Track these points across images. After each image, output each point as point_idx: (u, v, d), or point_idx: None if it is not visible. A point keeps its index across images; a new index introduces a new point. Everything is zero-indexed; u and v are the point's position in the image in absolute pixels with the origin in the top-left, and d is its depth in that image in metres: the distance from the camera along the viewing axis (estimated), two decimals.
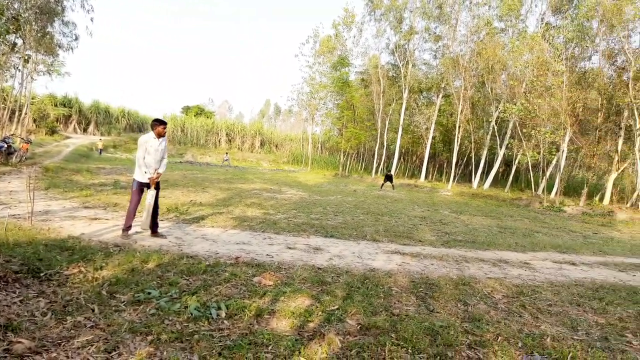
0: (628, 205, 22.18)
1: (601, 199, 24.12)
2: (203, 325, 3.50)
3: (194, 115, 51.61)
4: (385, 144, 37.09)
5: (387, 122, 36.48)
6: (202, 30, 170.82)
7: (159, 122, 6.19)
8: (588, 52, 26.93)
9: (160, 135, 6.22)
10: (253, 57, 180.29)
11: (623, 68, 22.85)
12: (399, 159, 39.36)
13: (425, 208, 14.95)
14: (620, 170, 23.64)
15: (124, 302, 3.82)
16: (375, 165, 37.95)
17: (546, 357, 3.42)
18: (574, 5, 28.41)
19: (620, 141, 22.77)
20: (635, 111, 21.02)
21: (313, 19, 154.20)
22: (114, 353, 2.97)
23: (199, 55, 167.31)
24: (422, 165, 35.28)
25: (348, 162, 41.02)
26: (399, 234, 8.72)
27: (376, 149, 37.83)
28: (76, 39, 26.77)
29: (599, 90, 23.50)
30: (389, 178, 23.95)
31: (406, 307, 4.36)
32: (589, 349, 3.71)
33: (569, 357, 3.47)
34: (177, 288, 4.24)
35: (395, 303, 4.44)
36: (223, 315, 3.71)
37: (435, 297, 4.80)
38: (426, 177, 35.79)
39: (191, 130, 47.38)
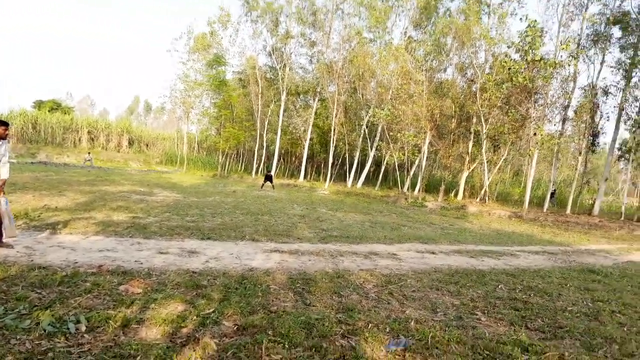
0: (477, 200, 25.17)
1: (456, 195, 27.04)
2: (59, 342, 3.16)
3: (49, 111, 45.92)
4: (265, 144, 37.19)
5: (266, 123, 36.64)
6: (58, 14, 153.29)
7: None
8: (444, 65, 30.09)
9: (0, 138, 5.45)
10: (120, 49, 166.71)
11: (472, 80, 25.91)
12: (279, 159, 39.72)
13: (304, 207, 15.20)
14: (471, 170, 26.74)
15: None
16: (255, 165, 37.79)
17: (410, 339, 3.69)
18: (432, 22, 31.53)
19: (471, 144, 25.74)
20: (482, 118, 23.93)
21: (184, 14, 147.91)
22: None
23: (55, 42, 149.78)
24: (301, 165, 36.07)
25: (227, 163, 40.24)
26: (278, 232, 8.76)
27: (256, 149, 37.69)
28: None
29: (453, 99, 26.34)
30: (268, 178, 24.07)
31: (284, 304, 4.39)
32: (447, 328, 4.09)
33: (429, 337, 3.79)
34: (26, 303, 3.78)
35: (273, 300, 4.45)
36: (83, 329, 3.38)
37: (312, 292, 4.92)
38: (305, 177, 36.72)
39: (45, 127, 42.15)
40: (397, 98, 25.86)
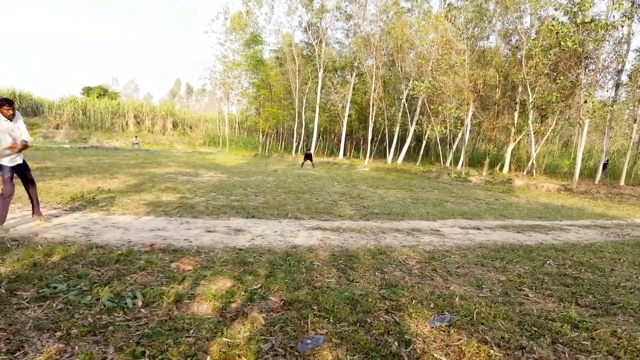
0: (524, 173, 24.38)
1: (501, 168, 26.27)
2: (118, 316, 3.35)
3: (97, 97, 47.77)
4: (303, 122, 37.23)
5: (304, 101, 36.57)
6: (102, 5, 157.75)
7: (1, 102, 5.63)
8: (486, 32, 28.82)
9: (7, 116, 5.69)
10: (160, 34, 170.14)
11: (517, 47, 24.76)
12: (318, 137, 39.73)
13: (344, 184, 15.22)
14: (517, 142, 25.82)
15: (26, 299, 3.54)
16: (295, 144, 38.02)
17: (455, 315, 3.69)
18: None
19: (516, 115, 24.80)
20: (528, 87, 22.95)
21: None
22: (18, 353, 2.75)
23: (98, 31, 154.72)
24: (340, 143, 35.94)
25: (267, 142, 40.70)
26: (319, 210, 8.85)
27: (295, 128, 37.84)
28: None
29: (496, 67, 25.34)
30: (308, 157, 24.22)
31: (327, 280, 4.45)
32: (492, 304, 4.05)
33: (475, 313, 3.77)
34: (87, 280, 4.01)
35: (317, 277, 4.53)
36: (139, 304, 3.57)
37: (354, 268, 4.95)
38: (344, 154, 36.57)
39: (94, 113, 43.97)
40: (438, 69, 25.12)
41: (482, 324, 3.62)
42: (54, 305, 3.45)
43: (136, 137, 37.04)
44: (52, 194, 8.82)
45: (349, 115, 36.12)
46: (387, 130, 33.25)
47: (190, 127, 49.74)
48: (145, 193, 9.81)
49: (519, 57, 23.82)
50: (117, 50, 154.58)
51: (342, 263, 5.14)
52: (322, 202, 10.09)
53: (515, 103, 24.95)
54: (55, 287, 3.76)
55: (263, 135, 39.70)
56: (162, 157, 25.11)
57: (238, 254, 5.19)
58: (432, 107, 27.02)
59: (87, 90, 51.48)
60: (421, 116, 30.26)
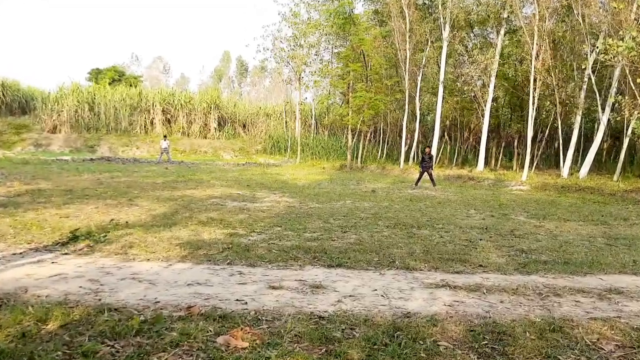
0: None
1: None
2: None
3: (109, 83, 51.37)
4: (418, 113, 37.15)
5: (419, 80, 36.41)
6: None
7: None
8: None
9: None
10: None
11: None
12: (442, 137, 39.36)
13: (487, 213, 15.14)
14: None
15: None
16: (403, 148, 38.05)
17: None
18: None
19: None
20: None
21: None
22: None
23: None
24: (479, 144, 35.22)
25: (361, 146, 41.14)
26: (446, 256, 8.86)
27: (404, 123, 37.92)
28: None
29: None
30: (426, 168, 23.99)
31: None
32: None
33: None
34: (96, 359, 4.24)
35: None
36: None
37: (508, 354, 4.88)
38: (486, 163, 35.91)
39: (106, 108, 47.37)
40: None
41: None
42: None
43: (165, 137, 38.74)
44: (46, 230, 9.51)
45: (494, 99, 35.32)
46: (559, 122, 31.73)
47: (244, 126, 52.00)
48: (179, 228, 10.35)
49: None
50: (137, 13, 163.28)
51: (487, 345, 5.07)
52: (451, 243, 10.08)
53: None
54: None
55: (353, 136, 40.16)
56: (202, 172, 26.40)
57: (317, 325, 5.30)
58: (639, 81, 25.57)
59: (96, 75, 55.09)
60: (620, 97, 28.71)
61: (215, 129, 50.68)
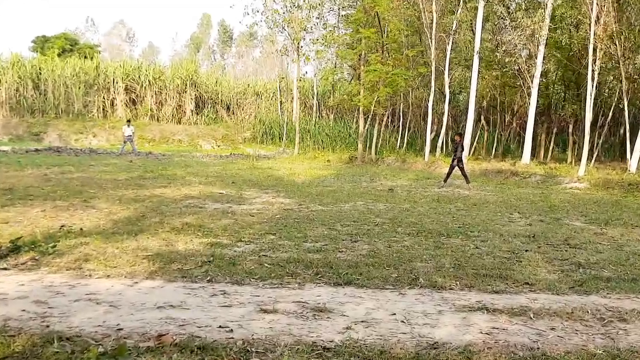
0: None
1: None
2: None
3: (58, 55, 50.17)
4: (447, 92, 36.28)
5: (448, 49, 35.36)
6: None
7: None
8: None
9: None
10: None
11: None
12: (477, 121, 38.35)
13: (534, 217, 14.67)
14: None
15: None
16: (429, 135, 36.92)
17: None
18: None
19: None
20: None
21: None
22: None
23: None
24: (525, 131, 34.20)
25: (375, 133, 40.04)
26: (483, 271, 8.52)
27: (430, 104, 36.97)
28: None
29: None
30: (457, 161, 22.84)
31: None
32: None
33: None
34: None
35: None
36: None
37: None
38: (533, 154, 35.04)
39: (55, 86, 46.37)
40: None
41: None
42: None
43: (129, 122, 37.09)
44: None
45: (543, 75, 34.51)
46: (625, 103, 30.82)
47: (229, 108, 51.28)
48: (147, 236, 10.06)
49: None
50: None
51: None
52: (490, 255, 9.73)
53: None
54: None
55: (366, 121, 39.10)
56: (176, 166, 25.99)
57: (321, 359, 5.11)
58: None
59: (42, 44, 53.71)
60: None
61: (191, 111, 49.46)
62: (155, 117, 48.24)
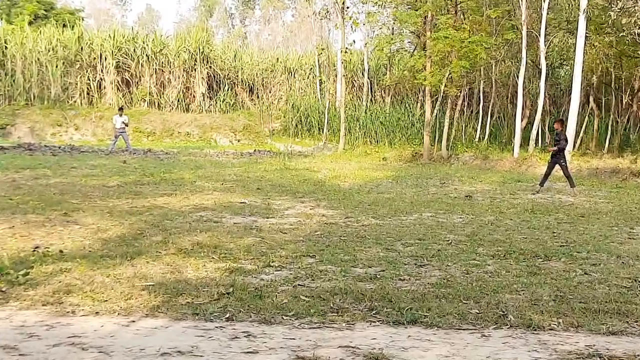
0: None
1: None
2: None
3: (29, 24, 49.36)
4: (544, 65, 34.78)
5: (545, 9, 34.16)
6: None
7: None
8: None
9: None
10: None
11: None
12: (584, 104, 37.04)
13: None
14: None
15: None
16: (519, 123, 35.37)
17: None
18: None
19: None
20: None
21: None
22: None
23: None
24: None
25: (447, 122, 38.54)
26: (596, 305, 7.91)
27: (520, 82, 35.37)
28: None
29: None
30: (558, 158, 21.78)
31: None
32: None
33: None
34: None
35: None
36: None
37: None
38: None
39: (25, 63, 45.77)
40: None
41: None
42: None
43: (121, 110, 36.01)
44: None
45: None
46: None
47: (252, 90, 50.13)
48: (147, 260, 9.63)
49: None
50: None
51: None
52: (604, 284, 9.11)
53: None
54: None
55: (434, 105, 38.16)
56: (183, 167, 25.50)
57: None
58: None
59: (8, 10, 53.15)
60: None
61: (203, 95, 47.40)
62: (156, 104, 46.47)
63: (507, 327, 7.00)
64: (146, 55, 46.50)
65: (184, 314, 7.10)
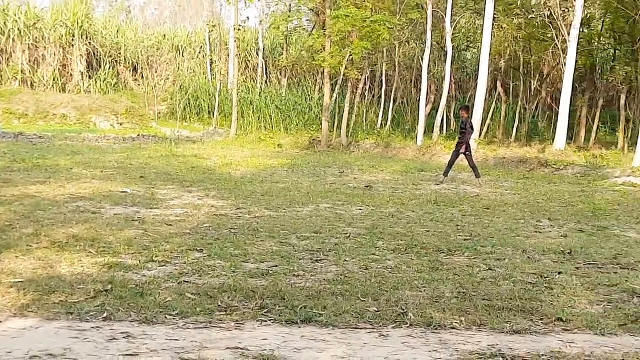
0: None
1: None
2: None
3: None
4: (450, 48, 35.15)
5: None
6: None
7: None
8: None
9: None
10: None
11: None
12: (490, 89, 37.73)
13: (571, 225, 14.19)
14: None
15: None
16: (423, 109, 35.94)
17: None
18: None
19: None
20: None
21: None
22: None
23: None
24: (558, 104, 32.69)
25: (347, 107, 38.59)
26: (499, 302, 7.87)
27: (424, 65, 35.87)
28: None
29: None
30: (465, 148, 21.90)
31: None
32: None
33: None
34: None
35: None
36: None
37: None
38: (570, 138, 34.07)
39: None
40: None
41: None
42: None
43: None
44: None
45: (585, 23, 33.38)
46: None
47: (136, 69, 49.36)
48: (16, 254, 9.12)
49: None
50: None
51: None
52: (508, 280, 9.07)
53: None
54: None
55: (333, 89, 38.19)
56: (59, 152, 24.87)
57: None
58: None
59: None
60: None
61: (82, 74, 46.25)
62: (29, 83, 45.07)
63: (407, 325, 6.87)
64: (18, 28, 44.92)
65: (56, 313, 6.68)
